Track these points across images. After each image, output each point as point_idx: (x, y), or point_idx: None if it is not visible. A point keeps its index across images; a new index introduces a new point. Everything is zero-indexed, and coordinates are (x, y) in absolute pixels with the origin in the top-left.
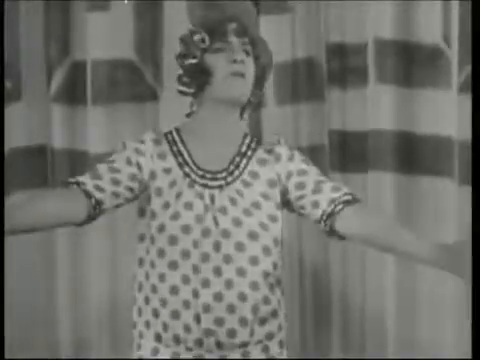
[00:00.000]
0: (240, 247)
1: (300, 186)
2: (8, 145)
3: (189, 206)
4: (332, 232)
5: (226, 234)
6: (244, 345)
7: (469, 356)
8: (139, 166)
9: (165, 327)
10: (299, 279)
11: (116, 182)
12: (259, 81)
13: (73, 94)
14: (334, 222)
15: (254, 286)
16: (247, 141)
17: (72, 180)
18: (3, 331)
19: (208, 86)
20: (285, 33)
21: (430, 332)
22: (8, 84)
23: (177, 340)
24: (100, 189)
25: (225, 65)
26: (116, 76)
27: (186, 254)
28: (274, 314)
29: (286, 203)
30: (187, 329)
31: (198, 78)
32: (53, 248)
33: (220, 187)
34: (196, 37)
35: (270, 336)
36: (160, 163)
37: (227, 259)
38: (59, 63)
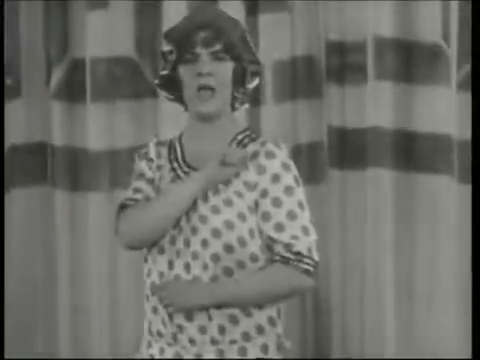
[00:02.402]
0: (205, 243)
1: (265, 216)
2: (8, 142)
3: None
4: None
5: (194, 230)
6: (216, 342)
7: (469, 355)
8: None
9: (150, 322)
10: None
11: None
12: (242, 79)
13: (73, 91)
14: None
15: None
16: (240, 137)
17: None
18: (3, 331)
19: (183, 95)
20: (284, 31)
21: (430, 332)
22: (8, 81)
23: (160, 335)
24: None
25: (192, 78)
26: (115, 73)
27: (161, 250)
28: (247, 314)
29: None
30: (164, 324)
31: (171, 89)
32: (53, 248)
33: None
34: (165, 49)
35: (246, 337)
36: (158, 161)
37: (194, 255)
38: (59, 61)
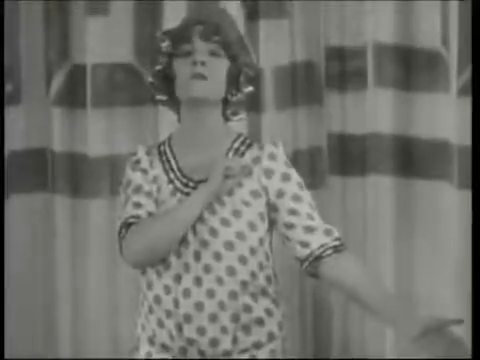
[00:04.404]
0: (218, 257)
1: (292, 212)
2: (8, 148)
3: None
4: (312, 274)
5: (204, 244)
6: (227, 353)
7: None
8: (150, 183)
9: (154, 333)
10: (299, 280)
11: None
12: (236, 81)
13: (73, 97)
14: (319, 265)
15: (232, 295)
16: (236, 145)
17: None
18: (3, 331)
19: (175, 90)
20: (284, 37)
21: None
22: (8, 87)
23: (165, 347)
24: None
25: (187, 68)
26: (116, 80)
27: (168, 264)
28: (259, 322)
29: (272, 221)
30: (171, 338)
31: (163, 83)
32: (53, 254)
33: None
34: (161, 43)
35: (258, 345)
36: (152, 171)
37: (207, 269)
38: (59, 66)
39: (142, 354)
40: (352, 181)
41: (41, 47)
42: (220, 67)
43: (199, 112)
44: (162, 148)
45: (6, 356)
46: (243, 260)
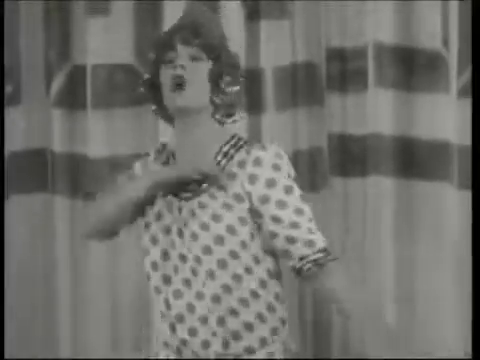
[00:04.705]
0: (198, 260)
1: (276, 220)
2: (8, 149)
3: (158, 217)
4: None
5: (189, 247)
6: (220, 355)
7: (469, 355)
8: None
9: (158, 331)
10: (298, 280)
11: None
12: (219, 82)
13: (73, 98)
14: (301, 278)
15: (215, 299)
16: (225, 149)
17: None
18: (3, 331)
19: (163, 99)
20: (285, 37)
21: (430, 332)
22: (8, 88)
23: (166, 345)
24: None
25: (169, 73)
26: (116, 80)
27: (155, 265)
28: (249, 327)
29: (259, 226)
30: (170, 336)
31: (151, 92)
32: (53, 254)
33: (186, 199)
34: (149, 54)
35: (250, 350)
36: None
37: (193, 271)
38: (59, 67)
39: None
40: (353, 182)
41: (41, 47)
42: (201, 71)
43: (185, 123)
44: (168, 153)
45: (6, 356)
46: (223, 264)
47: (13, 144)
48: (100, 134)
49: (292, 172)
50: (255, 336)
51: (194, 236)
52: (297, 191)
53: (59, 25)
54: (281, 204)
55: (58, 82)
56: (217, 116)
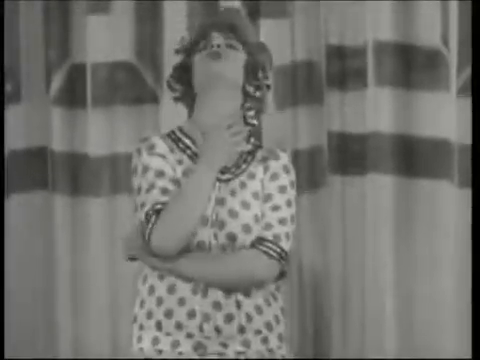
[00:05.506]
0: (232, 237)
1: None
2: (8, 147)
3: None
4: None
5: (221, 226)
6: (242, 330)
7: (469, 356)
8: (171, 166)
9: (169, 314)
10: (298, 280)
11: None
12: (254, 74)
13: (73, 97)
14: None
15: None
16: (249, 148)
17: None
18: (3, 331)
19: (192, 81)
20: (285, 36)
21: (430, 332)
22: (8, 86)
23: (179, 326)
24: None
25: (204, 53)
26: (116, 79)
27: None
28: (269, 304)
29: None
30: (191, 315)
31: (181, 75)
32: (54, 253)
33: (227, 181)
34: (183, 41)
35: (269, 327)
36: (172, 156)
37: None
38: (59, 66)
39: (148, 342)
40: (352, 180)
41: (41, 47)
42: (236, 57)
43: (213, 98)
44: (174, 136)
45: (6, 356)
46: (232, 237)
47: (13, 143)
48: (100, 132)
49: (295, 183)
50: (271, 312)
51: (233, 214)
52: (289, 195)
53: (59, 23)
54: (268, 197)
55: (58, 80)
56: (246, 105)
